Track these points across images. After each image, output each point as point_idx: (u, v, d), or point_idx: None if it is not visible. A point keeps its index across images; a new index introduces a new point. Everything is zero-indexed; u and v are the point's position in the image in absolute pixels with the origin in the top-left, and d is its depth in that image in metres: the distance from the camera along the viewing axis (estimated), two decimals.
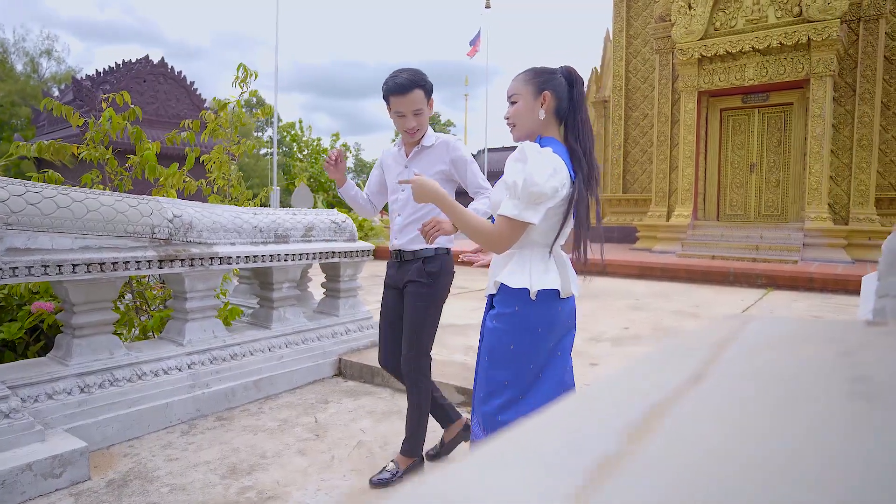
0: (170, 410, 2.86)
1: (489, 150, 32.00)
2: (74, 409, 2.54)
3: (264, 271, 3.57)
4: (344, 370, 3.83)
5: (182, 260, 2.95)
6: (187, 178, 3.43)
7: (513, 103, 1.73)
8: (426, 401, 2.33)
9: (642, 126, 13.67)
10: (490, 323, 1.73)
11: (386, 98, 2.21)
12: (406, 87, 2.14)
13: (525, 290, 1.68)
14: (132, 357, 2.83)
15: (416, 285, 2.29)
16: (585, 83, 17.35)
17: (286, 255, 3.51)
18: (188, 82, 18.16)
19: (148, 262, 2.80)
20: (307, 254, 3.66)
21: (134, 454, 2.56)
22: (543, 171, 1.57)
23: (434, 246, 2.28)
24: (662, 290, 7.55)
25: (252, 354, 3.35)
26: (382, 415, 3.11)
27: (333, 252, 3.85)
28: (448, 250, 2.35)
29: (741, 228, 9.77)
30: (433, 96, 2.26)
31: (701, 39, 9.70)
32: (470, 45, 28.85)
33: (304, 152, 29.00)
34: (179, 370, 2.97)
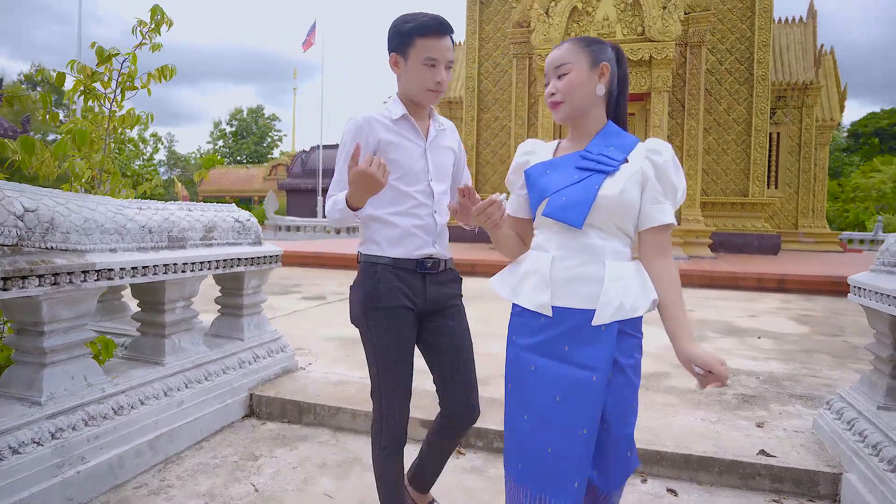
0: None
1: (324, 146, 30.79)
2: None
3: (154, 287, 2.60)
4: (258, 409, 3.01)
5: (41, 276, 1.95)
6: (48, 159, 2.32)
7: (561, 76, 1.39)
8: None
9: (493, 128, 14.05)
10: (633, 357, 1.32)
11: (408, 38, 1.57)
12: (447, 27, 1.57)
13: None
14: None
15: (460, 299, 1.76)
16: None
17: (185, 264, 2.61)
18: None
19: None
20: (209, 262, 2.78)
21: None
22: None
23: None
24: None
25: (143, 404, 2.40)
26: (340, 467, 2.42)
27: (239, 259, 3.00)
28: None
29: None
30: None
31: None
32: (305, 37, 27.37)
33: None
34: (38, 444, 1.96)
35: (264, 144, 57.12)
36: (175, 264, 2.55)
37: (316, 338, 4.44)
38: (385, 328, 1.63)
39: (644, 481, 2.37)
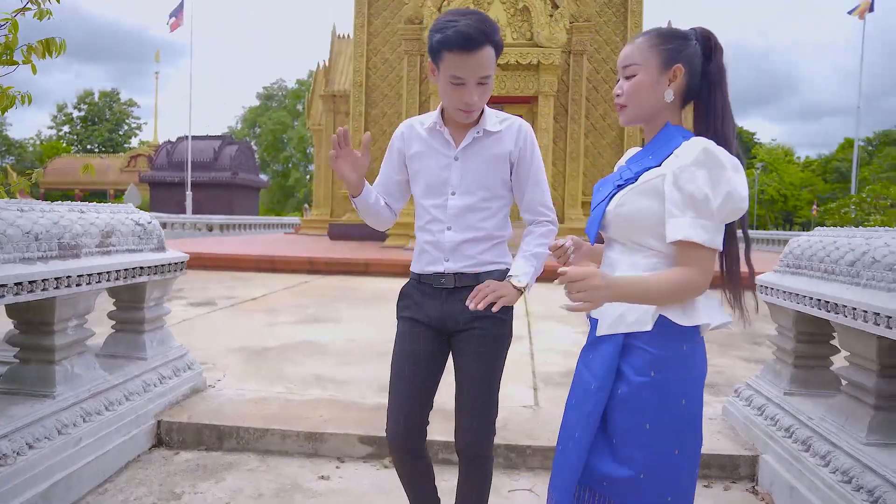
0: None
1: (193, 137, 28.49)
2: None
3: (41, 305, 2.18)
4: (167, 437, 2.66)
5: None
6: None
7: (628, 77, 1.29)
8: (489, 488, 1.65)
9: (381, 124, 13.88)
10: (642, 375, 1.23)
11: (437, 52, 1.42)
12: (476, 40, 1.37)
13: (696, 325, 1.25)
14: None
15: (492, 322, 1.55)
16: (317, 79, 16.51)
17: (80, 276, 2.21)
18: None
19: None
20: (108, 272, 2.39)
21: None
22: (744, 180, 1.21)
23: (503, 262, 1.60)
24: None
25: (32, 447, 2.00)
26: (279, 496, 2.21)
27: (142, 267, 2.63)
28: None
29: None
30: None
31: None
32: (171, 16, 25.01)
33: None
34: None
35: (120, 132, 51.61)
36: (69, 277, 2.15)
37: (217, 350, 4.05)
38: (398, 337, 1.65)
39: None
